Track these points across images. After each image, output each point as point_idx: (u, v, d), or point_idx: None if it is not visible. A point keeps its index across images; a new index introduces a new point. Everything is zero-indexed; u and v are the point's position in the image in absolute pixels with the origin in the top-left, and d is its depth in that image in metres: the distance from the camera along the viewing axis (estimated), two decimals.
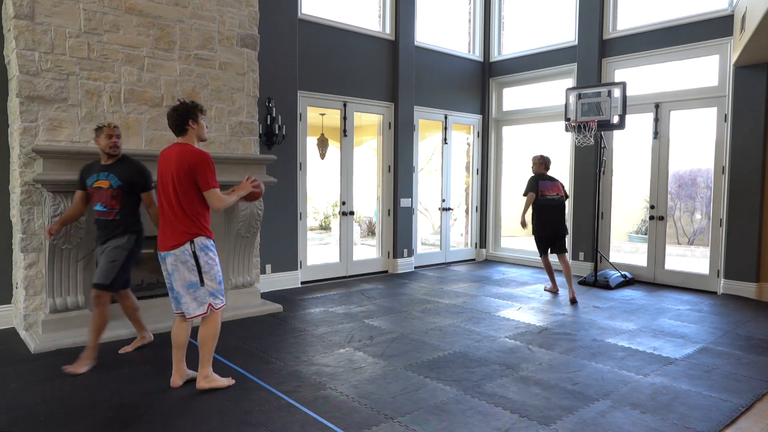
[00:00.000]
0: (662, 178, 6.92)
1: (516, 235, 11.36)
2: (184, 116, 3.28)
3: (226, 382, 3.43)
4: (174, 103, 5.02)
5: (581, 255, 7.60)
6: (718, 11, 6.35)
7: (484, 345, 4.37)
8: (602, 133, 6.91)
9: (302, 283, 6.77)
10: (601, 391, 3.44)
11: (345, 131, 7.15)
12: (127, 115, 4.81)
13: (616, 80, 7.13)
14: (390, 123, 7.64)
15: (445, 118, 8.34)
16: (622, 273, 6.97)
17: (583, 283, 6.92)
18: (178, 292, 3.31)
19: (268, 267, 6.35)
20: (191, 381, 3.46)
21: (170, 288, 3.38)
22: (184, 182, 3.21)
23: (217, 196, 3.27)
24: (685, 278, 6.78)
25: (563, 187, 6.38)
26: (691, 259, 8.69)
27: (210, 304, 3.31)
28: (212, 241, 3.37)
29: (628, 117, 6.64)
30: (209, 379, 3.37)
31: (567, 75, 7.85)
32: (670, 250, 7.37)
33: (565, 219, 6.37)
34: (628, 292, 6.46)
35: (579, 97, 6.85)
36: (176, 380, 3.42)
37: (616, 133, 7.24)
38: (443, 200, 8.41)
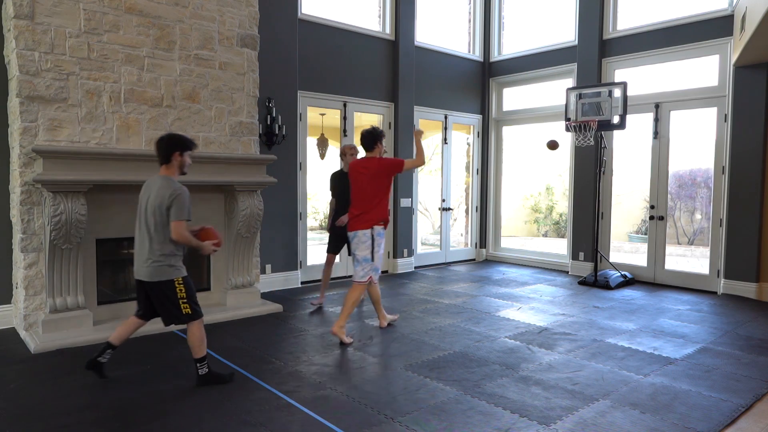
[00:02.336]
0: (662, 178, 6.92)
1: (516, 235, 11.38)
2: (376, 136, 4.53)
3: (348, 340, 4.36)
4: (173, 102, 5.04)
5: (581, 255, 7.60)
6: (718, 11, 6.35)
7: (484, 345, 4.37)
8: (602, 133, 6.91)
9: (302, 283, 6.77)
10: (601, 391, 3.44)
11: (345, 131, 7.15)
12: (127, 115, 4.81)
13: (616, 80, 7.13)
14: (390, 123, 7.64)
15: (445, 118, 8.34)
16: (622, 273, 6.97)
17: (583, 283, 6.92)
18: (356, 259, 4.46)
19: (268, 267, 6.35)
20: (190, 380, 3.46)
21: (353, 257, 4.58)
22: (376, 182, 4.35)
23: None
24: (685, 278, 6.78)
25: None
26: (691, 259, 8.69)
27: (371, 276, 4.46)
28: (384, 230, 4.46)
29: (628, 117, 6.64)
30: (342, 331, 4.35)
31: (567, 75, 7.85)
32: (670, 250, 7.38)
33: None
34: (628, 292, 6.46)
35: (579, 97, 6.85)
36: (382, 323, 4.84)
37: (616, 133, 7.24)
38: (443, 200, 8.41)
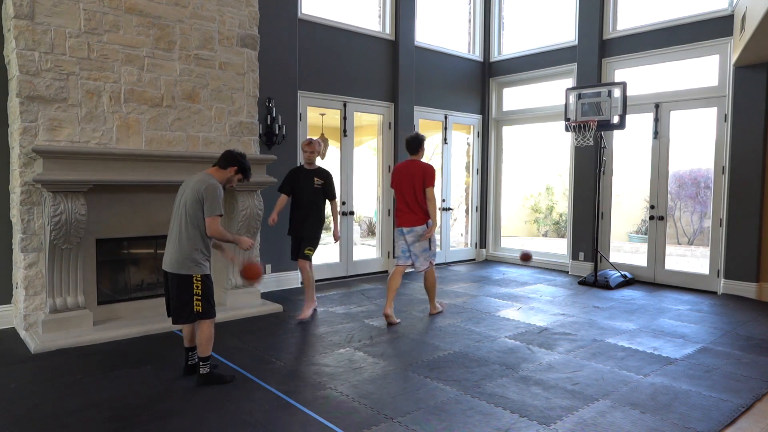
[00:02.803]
0: (662, 178, 6.92)
1: (516, 235, 11.38)
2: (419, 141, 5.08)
3: (441, 308, 5.45)
4: (173, 102, 5.04)
5: (581, 255, 7.60)
6: (718, 11, 6.35)
7: (484, 345, 4.37)
8: (602, 133, 6.91)
9: (302, 283, 6.76)
10: (601, 391, 3.44)
11: (345, 131, 7.15)
12: (127, 115, 4.81)
13: (616, 80, 7.12)
14: (390, 123, 7.64)
15: (445, 118, 8.34)
16: (622, 273, 6.97)
17: (583, 283, 6.92)
18: (414, 254, 5.07)
19: (268, 267, 6.35)
20: (191, 377, 3.47)
21: (405, 250, 5.13)
22: (417, 186, 5.03)
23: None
24: (685, 278, 6.78)
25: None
26: (691, 259, 8.70)
27: (431, 262, 5.18)
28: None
29: (628, 117, 6.64)
30: (436, 309, 5.37)
31: (567, 75, 7.85)
32: (670, 250, 7.38)
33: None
34: (628, 292, 6.46)
35: (579, 97, 6.85)
36: (387, 311, 4.99)
37: (616, 133, 7.24)
38: (443, 200, 8.40)
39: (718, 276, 6.46)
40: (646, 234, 7.78)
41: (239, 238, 3.57)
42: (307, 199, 5.18)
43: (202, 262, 3.43)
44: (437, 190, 8.43)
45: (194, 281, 3.39)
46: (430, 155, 9.19)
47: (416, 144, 5.14)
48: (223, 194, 3.46)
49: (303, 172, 5.25)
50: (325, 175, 5.26)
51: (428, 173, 5.02)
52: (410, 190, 5.04)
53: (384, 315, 4.99)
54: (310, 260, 5.25)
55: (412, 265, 5.13)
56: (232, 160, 3.53)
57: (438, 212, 5.11)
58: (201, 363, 3.47)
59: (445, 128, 8.35)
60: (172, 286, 3.45)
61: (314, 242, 5.25)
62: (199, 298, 3.40)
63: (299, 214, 5.22)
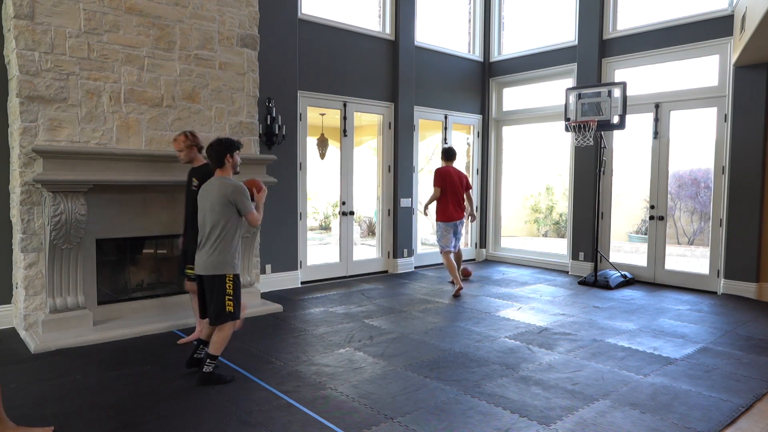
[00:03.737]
0: (662, 178, 6.92)
1: (516, 235, 11.38)
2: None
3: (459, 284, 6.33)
4: (173, 102, 5.04)
5: (581, 255, 7.60)
6: (718, 11, 6.35)
7: (484, 345, 4.37)
8: (602, 133, 6.91)
9: (302, 283, 6.77)
10: (601, 391, 3.44)
11: (345, 131, 7.15)
12: (127, 115, 4.81)
13: (616, 80, 7.12)
14: (390, 123, 7.64)
15: (445, 118, 8.33)
16: (622, 273, 6.97)
17: (583, 283, 6.92)
18: (457, 238, 6.51)
19: (268, 267, 6.35)
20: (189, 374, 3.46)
21: (451, 239, 6.44)
22: (465, 188, 6.55)
23: None
24: (685, 278, 6.78)
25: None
26: (691, 259, 8.70)
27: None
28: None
29: (628, 117, 6.64)
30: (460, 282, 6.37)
31: (567, 75, 7.85)
32: (670, 250, 7.38)
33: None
34: (628, 292, 6.46)
35: (579, 97, 6.85)
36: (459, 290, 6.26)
37: (616, 133, 7.24)
38: None
39: (718, 276, 6.46)
40: (646, 234, 7.78)
41: (260, 203, 3.79)
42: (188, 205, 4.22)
43: (233, 262, 3.55)
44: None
45: (227, 281, 3.51)
46: (430, 155, 9.19)
47: (454, 153, 6.72)
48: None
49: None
50: (203, 173, 4.06)
51: (467, 179, 6.68)
52: (460, 190, 6.48)
53: (458, 293, 6.22)
54: (193, 281, 4.02)
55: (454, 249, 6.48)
56: (219, 153, 3.58)
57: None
58: (208, 360, 3.49)
59: (445, 128, 8.35)
60: (208, 289, 3.55)
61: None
62: (231, 298, 3.53)
63: (184, 224, 4.37)
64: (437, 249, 8.52)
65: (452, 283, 6.73)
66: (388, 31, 7.54)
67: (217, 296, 3.50)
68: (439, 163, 8.49)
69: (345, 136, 7.17)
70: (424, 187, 8.67)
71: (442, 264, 8.42)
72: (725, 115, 6.33)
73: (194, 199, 3.85)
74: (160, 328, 4.67)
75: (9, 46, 4.45)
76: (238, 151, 3.65)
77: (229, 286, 3.51)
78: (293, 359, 4.00)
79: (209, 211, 3.52)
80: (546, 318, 5.25)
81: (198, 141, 4.32)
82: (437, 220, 6.50)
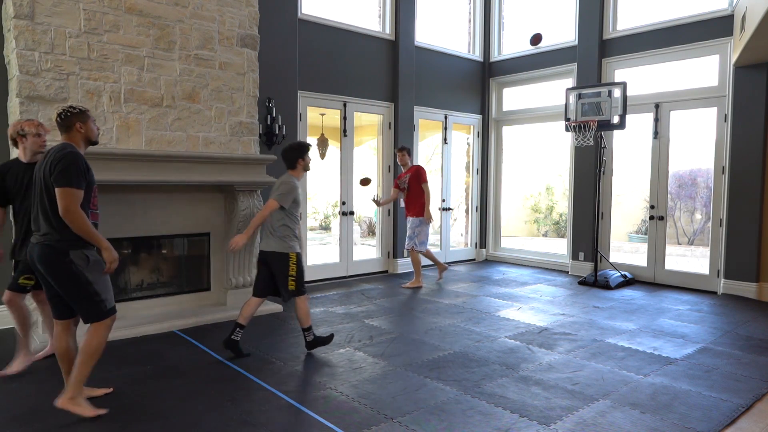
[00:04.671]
0: (662, 178, 6.92)
1: (516, 235, 11.38)
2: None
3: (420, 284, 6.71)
4: (173, 102, 5.04)
5: (581, 255, 7.60)
6: (718, 11, 6.35)
7: (484, 345, 4.37)
8: (602, 133, 6.91)
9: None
10: (601, 391, 3.44)
11: (345, 131, 7.15)
12: (127, 115, 4.81)
13: (616, 80, 7.12)
14: (390, 123, 7.64)
15: (445, 118, 8.34)
16: (622, 273, 6.97)
17: (583, 283, 6.92)
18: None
19: None
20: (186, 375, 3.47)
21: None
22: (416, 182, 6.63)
23: None
24: (685, 278, 6.78)
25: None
26: (691, 259, 8.69)
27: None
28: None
29: (628, 117, 6.64)
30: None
31: (567, 75, 7.85)
32: (670, 250, 7.38)
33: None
34: (628, 292, 6.46)
35: (579, 97, 6.85)
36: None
37: (616, 133, 7.24)
38: (443, 200, 8.41)
39: (718, 276, 6.46)
40: (646, 234, 7.78)
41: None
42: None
43: (293, 243, 4.04)
44: (437, 190, 8.46)
45: (290, 259, 3.98)
46: (430, 155, 9.19)
47: (409, 152, 6.84)
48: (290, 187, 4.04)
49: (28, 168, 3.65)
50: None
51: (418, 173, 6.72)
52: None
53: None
54: (24, 292, 3.65)
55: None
56: (292, 157, 4.13)
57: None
58: (305, 332, 4.08)
59: (445, 128, 8.35)
60: (274, 267, 4.00)
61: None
62: (293, 277, 3.99)
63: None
64: (437, 249, 8.53)
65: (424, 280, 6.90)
66: (388, 31, 7.54)
67: (281, 274, 3.99)
68: (438, 163, 8.54)
69: (345, 136, 7.17)
70: None
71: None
72: (725, 115, 6.33)
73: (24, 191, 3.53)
74: (160, 328, 4.66)
75: (9, 46, 4.45)
76: (308, 154, 4.20)
77: (292, 267, 4.01)
78: (293, 359, 4.00)
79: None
80: (546, 318, 5.25)
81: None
82: (425, 217, 6.67)
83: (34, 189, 2.99)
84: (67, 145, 2.96)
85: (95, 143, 3.18)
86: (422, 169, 6.72)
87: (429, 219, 6.66)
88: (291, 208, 4.04)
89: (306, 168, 4.25)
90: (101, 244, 2.92)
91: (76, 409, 2.94)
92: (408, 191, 6.69)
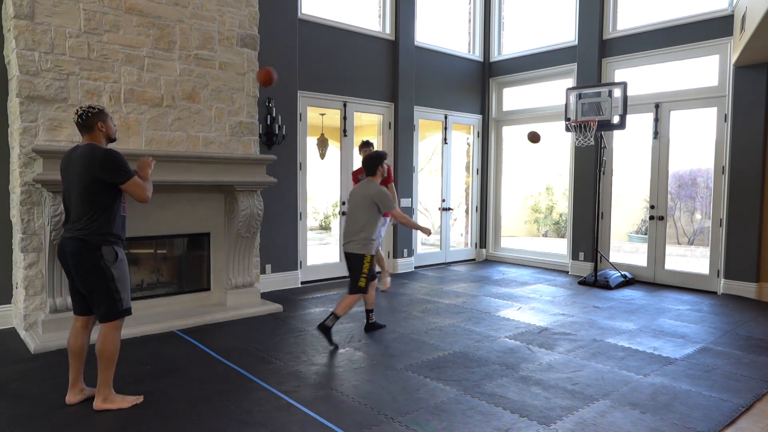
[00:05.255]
0: (662, 178, 6.92)
1: (516, 235, 11.38)
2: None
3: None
4: (173, 102, 5.04)
5: (581, 255, 7.60)
6: (718, 11, 6.35)
7: (484, 345, 4.37)
8: (602, 133, 6.91)
9: (302, 283, 6.77)
10: (601, 391, 3.44)
11: (345, 131, 7.15)
12: (127, 115, 4.81)
13: (616, 80, 7.13)
14: (390, 123, 7.64)
15: (445, 118, 8.34)
16: (622, 273, 6.97)
17: (583, 283, 6.92)
18: None
19: (268, 267, 6.35)
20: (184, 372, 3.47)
21: None
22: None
23: None
24: (685, 278, 6.78)
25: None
26: (691, 259, 8.69)
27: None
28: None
29: (628, 117, 6.64)
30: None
31: (567, 75, 7.85)
32: (670, 250, 7.38)
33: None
34: (628, 292, 6.46)
35: (579, 97, 6.85)
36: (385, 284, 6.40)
37: (616, 133, 7.24)
38: (443, 200, 8.41)
39: (718, 276, 6.46)
40: (646, 234, 7.78)
41: (421, 226, 4.68)
42: None
43: (371, 246, 4.43)
44: (437, 190, 8.46)
45: (365, 260, 4.39)
46: (430, 155, 9.18)
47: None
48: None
49: None
50: None
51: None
52: None
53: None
54: None
55: None
56: (373, 165, 4.56)
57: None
58: (332, 317, 4.26)
59: (445, 128, 8.35)
60: (352, 266, 4.45)
61: None
62: (365, 276, 4.39)
63: None
64: (437, 249, 8.55)
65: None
66: (388, 31, 7.54)
67: (355, 271, 4.43)
68: (438, 163, 8.54)
69: (345, 136, 7.17)
70: (424, 187, 8.68)
71: (442, 264, 8.44)
72: (725, 115, 6.33)
73: None
74: (160, 328, 4.66)
75: (9, 46, 4.45)
76: (384, 164, 4.60)
77: (365, 267, 4.40)
78: (293, 359, 4.00)
79: (356, 207, 4.52)
80: (546, 318, 5.25)
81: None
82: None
83: (66, 187, 3.12)
84: (94, 145, 3.08)
85: (114, 140, 3.27)
86: (389, 167, 6.38)
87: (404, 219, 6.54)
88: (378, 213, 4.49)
89: (382, 174, 4.63)
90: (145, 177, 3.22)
91: (113, 406, 3.11)
92: None
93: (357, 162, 7.45)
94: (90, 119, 3.10)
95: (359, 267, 4.40)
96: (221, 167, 5.16)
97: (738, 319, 5.21)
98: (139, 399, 3.19)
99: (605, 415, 3.08)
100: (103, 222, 3.02)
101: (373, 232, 4.49)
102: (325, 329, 4.25)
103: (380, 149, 5.19)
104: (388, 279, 6.58)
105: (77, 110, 3.11)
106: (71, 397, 3.16)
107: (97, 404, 3.09)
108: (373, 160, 4.60)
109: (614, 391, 3.42)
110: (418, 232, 5.11)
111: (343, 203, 7.23)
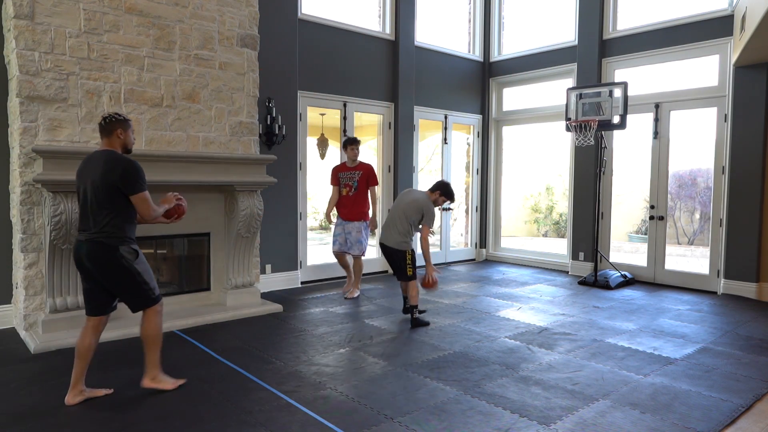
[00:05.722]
0: (662, 178, 6.92)
1: (516, 235, 11.38)
2: None
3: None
4: (173, 102, 5.04)
5: (581, 255, 7.60)
6: (718, 11, 6.35)
7: (484, 345, 4.37)
8: (602, 133, 6.91)
9: (302, 283, 6.77)
10: (601, 391, 3.44)
11: (345, 131, 7.15)
12: (127, 115, 4.80)
13: (617, 80, 7.12)
14: (390, 123, 7.64)
15: (445, 118, 8.33)
16: (622, 273, 6.97)
17: (583, 283, 6.92)
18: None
19: (268, 267, 6.35)
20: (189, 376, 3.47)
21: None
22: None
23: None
24: (685, 278, 6.78)
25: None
26: (691, 259, 8.69)
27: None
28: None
29: (628, 117, 6.64)
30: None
31: (567, 75, 7.85)
32: (670, 250, 7.38)
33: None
34: (628, 292, 6.46)
35: (579, 96, 6.85)
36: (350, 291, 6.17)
37: (616, 133, 7.24)
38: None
39: (718, 276, 6.46)
40: (646, 234, 7.78)
41: (429, 264, 5.00)
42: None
43: (410, 243, 4.98)
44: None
45: (407, 255, 4.93)
46: (430, 155, 9.18)
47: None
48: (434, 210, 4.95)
49: None
50: None
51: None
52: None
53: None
54: None
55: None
56: (437, 187, 5.01)
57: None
58: (414, 309, 4.93)
59: (445, 128, 8.35)
60: (394, 258, 5.00)
61: None
62: (410, 265, 4.95)
63: None
64: (437, 249, 8.54)
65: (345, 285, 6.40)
66: (388, 31, 7.54)
67: (401, 263, 4.96)
68: (438, 163, 8.54)
69: (345, 136, 7.16)
70: (425, 187, 8.67)
71: (442, 264, 8.43)
72: (725, 115, 6.33)
73: None
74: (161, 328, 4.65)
75: (9, 46, 4.45)
76: (444, 199, 5.03)
77: (408, 259, 4.95)
78: (293, 359, 4.00)
79: (400, 209, 4.97)
80: (546, 318, 5.25)
81: None
82: (371, 224, 6.20)
83: (83, 190, 3.19)
84: (114, 152, 3.20)
85: (130, 151, 3.34)
86: (373, 169, 6.16)
87: (375, 226, 6.23)
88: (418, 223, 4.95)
89: (437, 204, 5.01)
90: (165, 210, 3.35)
91: (159, 386, 3.34)
92: (356, 191, 6.02)
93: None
94: (111, 124, 3.21)
95: (403, 260, 4.93)
96: (221, 167, 5.16)
97: (738, 319, 5.21)
98: (182, 381, 3.44)
99: (605, 415, 3.08)
100: (119, 224, 3.13)
101: (412, 233, 4.97)
102: (413, 318, 4.92)
103: (447, 183, 5.11)
104: (357, 291, 6.13)
105: (103, 114, 3.28)
106: (70, 398, 3.17)
107: (146, 383, 3.32)
108: (443, 187, 5.03)
109: (614, 391, 3.42)
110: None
111: None
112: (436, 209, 5.04)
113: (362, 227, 6.01)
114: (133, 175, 3.10)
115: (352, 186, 6.03)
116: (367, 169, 6.09)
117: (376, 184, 6.16)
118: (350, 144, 6.02)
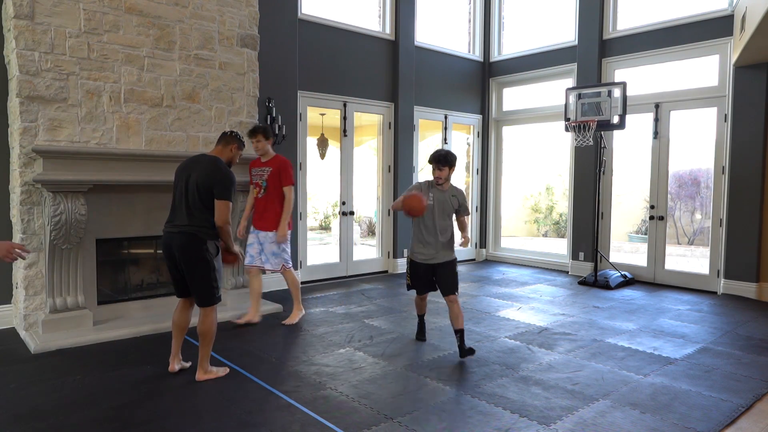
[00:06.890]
0: (662, 178, 6.92)
1: (516, 235, 11.38)
2: None
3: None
4: (173, 102, 5.04)
5: (581, 255, 7.60)
6: (718, 11, 6.35)
7: (484, 345, 4.37)
8: (602, 133, 6.91)
9: (302, 283, 6.76)
10: (601, 391, 3.44)
11: (345, 131, 7.15)
12: (127, 115, 4.81)
13: (616, 80, 7.12)
14: (390, 123, 7.64)
15: (445, 118, 8.33)
16: (622, 273, 6.97)
17: (583, 283, 6.92)
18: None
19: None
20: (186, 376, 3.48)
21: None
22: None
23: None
24: (685, 278, 6.78)
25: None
26: (691, 259, 8.70)
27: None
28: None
29: (628, 117, 6.64)
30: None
31: (567, 75, 7.85)
32: (670, 250, 7.38)
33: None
34: (628, 292, 6.46)
35: (579, 97, 6.85)
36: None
37: (616, 133, 7.24)
38: None
39: (718, 276, 6.46)
40: (646, 234, 7.78)
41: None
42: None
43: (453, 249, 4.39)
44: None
45: (455, 263, 4.37)
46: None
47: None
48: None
49: None
50: None
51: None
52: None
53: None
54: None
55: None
56: (430, 160, 4.56)
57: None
58: (459, 336, 4.02)
59: (445, 128, 8.35)
60: (444, 271, 4.28)
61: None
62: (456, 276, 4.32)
63: None
64: None
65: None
66: (388, 31, 7.54)
67: (451, 274, 4.33)
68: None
69: (345, 136, 7.17)
70: None
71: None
72: (725, 115, 6.33)
73: None
74: (160, 328, 4.66)
75: (9, 46, 4.45)
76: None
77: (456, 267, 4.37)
78: (293, 359, 4.00)
79: (441, 212, 4.43)
80: (546, 318, 5.25)
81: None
82: (280, 234, 4.75)
83: (179, 187, 3.52)
84: (220, 159, 3.58)
85: (230, 165, 3.68)
86: (289, 164, 4.80)
87: (283, 238, 4.73)
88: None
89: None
90: (229, 243, 3.61)
91: (212, 377, 3.58)
92: (266, 192, 4.75)
93: (357, 162, 7.46)
94: (232, 138, 3.70)
95: (455, 267, 4.34)
96: None
97: (738, 319, 5.21)
98: (228, 370, 3.68)
99: (605, 415, 3.08)
100: (211, 221, 3.47)
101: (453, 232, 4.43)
102: (467, 352, 3.99)
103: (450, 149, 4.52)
104: (300, 314, 5.02)
105: (231, 128, 3.71)
106: (173, 366, 3.65)
107: (199, 376, 3.54)
108: (452, 156, 4.55)
109: (614, 391, 3.42)
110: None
111: (344, 203, 7.23)
112: (429, 198, 4.38)
113: (273, 237, 4.77)
114: (227, 184, 3.46)
115: (261, 186, 4.78)
116: (278, 163, 4.74)
117: (290, 183, 4.72)
118: (251, 136, 4.73)
